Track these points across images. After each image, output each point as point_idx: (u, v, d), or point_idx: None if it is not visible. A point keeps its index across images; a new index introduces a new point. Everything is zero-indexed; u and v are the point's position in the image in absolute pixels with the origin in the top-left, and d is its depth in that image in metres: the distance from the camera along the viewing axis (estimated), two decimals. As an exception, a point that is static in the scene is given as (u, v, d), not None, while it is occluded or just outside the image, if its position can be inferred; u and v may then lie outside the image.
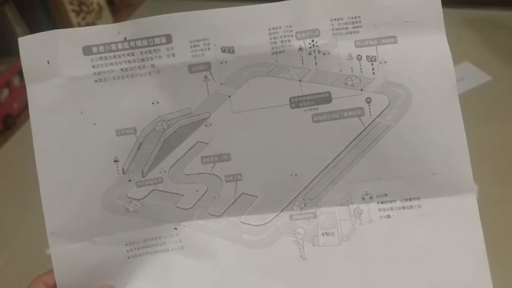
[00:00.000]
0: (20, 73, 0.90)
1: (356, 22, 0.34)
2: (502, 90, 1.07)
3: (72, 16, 1.10)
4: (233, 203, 0.36)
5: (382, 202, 0.36)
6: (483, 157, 0.89)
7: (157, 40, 0.34)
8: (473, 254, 0.35)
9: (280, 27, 0.34)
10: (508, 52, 1.16)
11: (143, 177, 0.36)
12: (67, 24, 1.09)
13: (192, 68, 0.35)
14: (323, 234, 0.36)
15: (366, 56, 0.34)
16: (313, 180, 0.36)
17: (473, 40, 1.21)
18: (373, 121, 0.35)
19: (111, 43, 0.34)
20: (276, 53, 0.34)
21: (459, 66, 1.11)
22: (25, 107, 0.98)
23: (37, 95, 0.34)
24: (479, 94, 1.07)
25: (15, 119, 0.97)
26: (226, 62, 0.34)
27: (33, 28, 1.05)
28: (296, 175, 0.36)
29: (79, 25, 1.11)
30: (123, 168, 0.35)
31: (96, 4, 1.17)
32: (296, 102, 0.35)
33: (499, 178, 0.87)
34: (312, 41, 0.34)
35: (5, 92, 0.95)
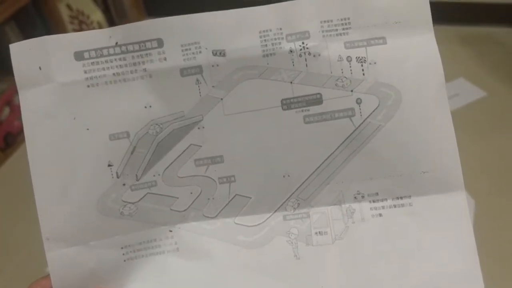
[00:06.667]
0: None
1: (346, 23, 0.35)
2: (497, 105, 1.08)
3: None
4: (227, 204, 0.36)
5: (373, 201, 0.36)
6: (479, 170, 0.90)
7: (148, 45, 0.34)
8: (463, 250, 0.35)
9: (270, 30, 0.34)
10: (502, 68, 1.17)
11: (137, 180, 0.36)
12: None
13: (184, 71, 0.35)
14: (316, 233, 0.36)
15: (356, 57, 0.35)
16: (305, 180, 0.36)
17: (468, 56, 1.23)
18: (363, 121, 0.35)
19: (103, 48, 0.34)
20: (267, 55, 0.35)
21: (455, 82, 1.12)
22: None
23: (30, 101, 0.34)
24: (474, 109, 1.08)
25: (15, 137, 0.97)
26: (217, 65, 0.35)
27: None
28: (289, 176, 0.36)
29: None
30: (117, 172, 0.35)
31: (96, 23, 1.19)
32: (287, 104, 0.35)
33: (496, 191, 0.87)
34: (303, 43, 0.35)
35: (6, 110, 0.95)
